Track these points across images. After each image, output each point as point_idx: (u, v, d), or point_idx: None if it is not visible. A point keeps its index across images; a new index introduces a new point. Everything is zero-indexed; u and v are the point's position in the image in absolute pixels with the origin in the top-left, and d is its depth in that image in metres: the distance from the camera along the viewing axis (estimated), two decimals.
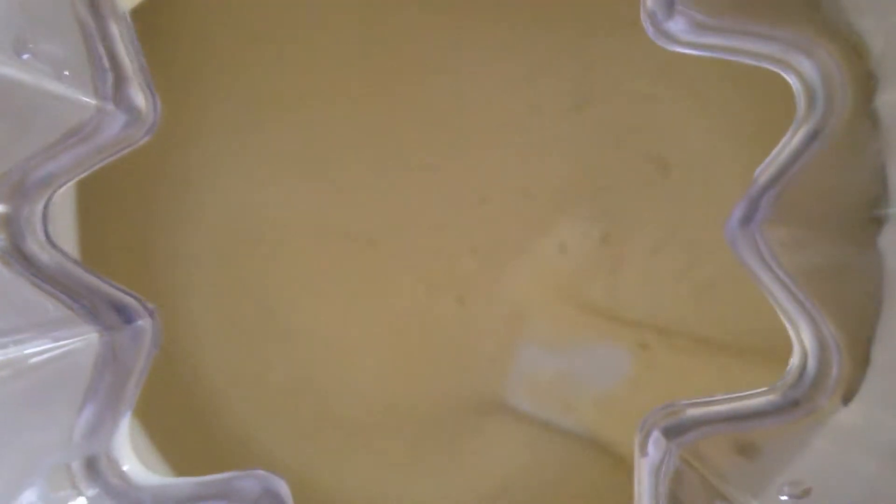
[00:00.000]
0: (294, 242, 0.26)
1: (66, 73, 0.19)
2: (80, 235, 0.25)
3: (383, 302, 0.27)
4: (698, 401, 0.19)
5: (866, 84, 0.18)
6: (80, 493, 0.19)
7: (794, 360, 0.19)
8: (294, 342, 0.27)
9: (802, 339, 0.19)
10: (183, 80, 0.26)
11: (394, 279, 0.27)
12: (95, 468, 0.19)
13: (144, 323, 0.20)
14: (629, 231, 0.26)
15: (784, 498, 0.18)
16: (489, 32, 0.26)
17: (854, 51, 0.18)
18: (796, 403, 0.18)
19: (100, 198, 0.26)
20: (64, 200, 0.26)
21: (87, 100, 0.19)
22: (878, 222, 0.18)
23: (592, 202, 0.26)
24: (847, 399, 0.18)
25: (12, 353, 0.19)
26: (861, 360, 0.18)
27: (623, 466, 0.25)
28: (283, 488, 0.19)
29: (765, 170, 0.19)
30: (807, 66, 0.18)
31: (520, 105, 0.26)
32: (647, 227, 0.26)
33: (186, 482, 0.19)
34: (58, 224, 0.25)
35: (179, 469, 0.25)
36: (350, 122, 0.26)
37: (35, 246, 0.19)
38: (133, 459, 0.20)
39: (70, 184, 0.20)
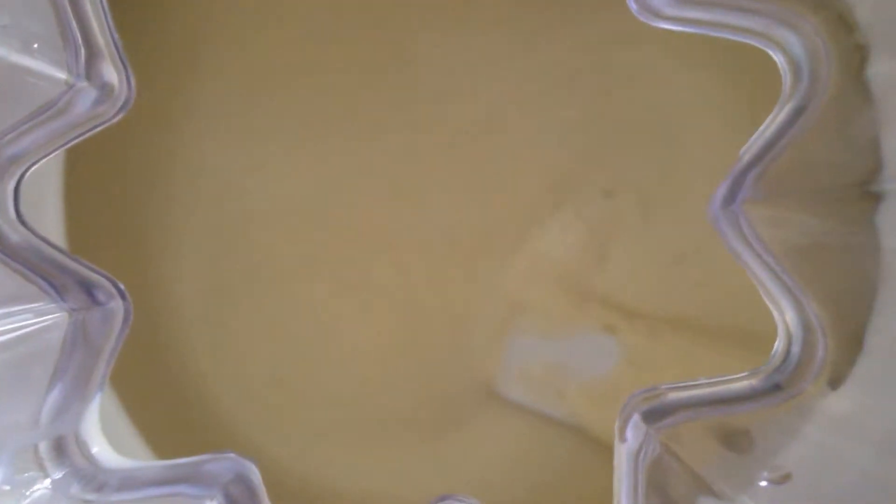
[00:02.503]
0: (283, 225, 0.26)
1: (37, 46, 0.19)
2: (66, 217, 0.25)
3: (373, 290, 0.26)
4: (679, 385, 0.18)
5: (855, 56, 0.17)
6: (46, 475, 0.19)
7: (779, 344, 0.18)
8: (281, 328, 0.26)
9: (787, 322, 0.18)
10: (174, 59, 0.26)
11: (384, 268, 0.26)
12: (63, 450, 0.19)
13: (115, 304, 0.19)
14: (623, 220, 0.25)
15: (763, 483, 0.17)
16: (480, 10, 0.25)
17: (841, 22, 0.17)
18: (779, 387, 0.18)
19: (87, 179, 0.26)
20: (50, 182, 0.26)
21: (59, 75, 0.19)
22: (873, 198, 0.17)
23: (586, 190, 0.25)
24: (835, 383, 0.18)
25: None
26: (849, 343, 0.18)
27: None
28: (255, 474, 0.19)
29: (749, 148, 0.18)
30: (792, 40, 0.18)
31: (511, 90, 0.26)
32: (641, 217, 0.25)
33: (155, 465, 0.19)
34: (45, 206, 0.25)
35: (161, 455, 0.25)
36: (342, 103, 0.26)
37: (5, 225, 0.19)
38: (102, 442, 0.19)
39: (42, 162, 0.19)
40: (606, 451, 0.25)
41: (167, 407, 0.26)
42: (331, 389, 0.26)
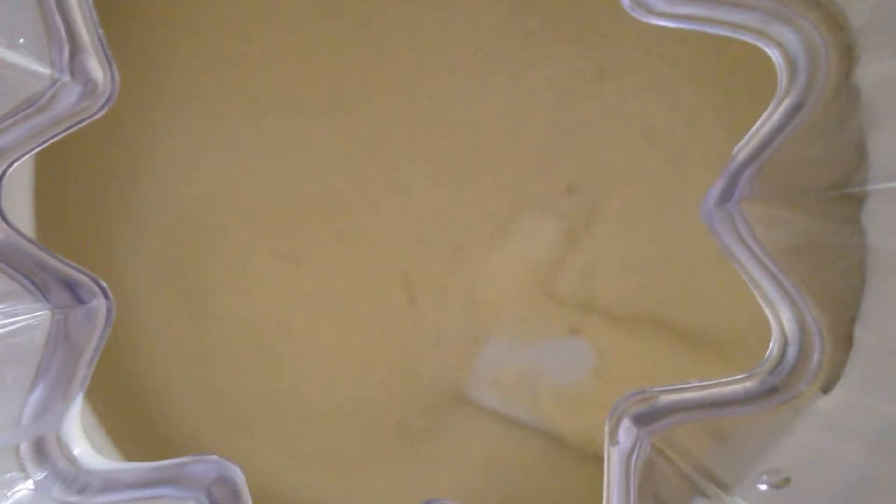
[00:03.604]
0: (255, 228, 0.25)
1: (21, 41, 0.18)
2: (35, 216, 0.25)
3: (343, 294, 0.26)
4: (671, 387, 0.18)
5: (846, 56, 0.17)
6: (27, 476, 0.18)
7: (774, 346, 0.18)
8: (247, 331, 0.26)
9: (782, 323, 0.18)
10: (138, 50, 0.25)
11: (355, 271, 0.26)
12: (44, 451, 0.19)
13: (98, 302, 0.19)
14: (597, 223, 0.25)
15: (763, 487, 0.17)
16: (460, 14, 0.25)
17: (834, 22, 0.17)
18: (774, 390, 0.17)
19: (55, 171, 0.25)
20: (21, 176, 0.25)
21: (43, 70, 0.19)
22: (858, 198, 0.17)
23: (561, 193, 0.25)
24: (828, 386, 0.18)
25: None
26: (843, 343, 0.17)
27: (588, 460, 0.24)
28: (238, 475, 0.19)
29: (744, 146, 0.18)
30: (788, 36, 0.18)
31: (487, 91, 0.25)
32: (615, 218, 0.25)
33: (137, 467, 0.19)
34: (15, 204, 0.25)
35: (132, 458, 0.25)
36: (309, 98, 0.25)
37: None
38: (84, 443, 0.19)
39: (24, 158, 0.19)
40: (579, 455, 0.25)
41: (138, 418, 0.26)
42: (301, 398, 0.26)
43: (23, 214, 0.24)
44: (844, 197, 0.17)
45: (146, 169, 0.25)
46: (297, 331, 0.25)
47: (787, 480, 0.17)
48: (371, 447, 0.25)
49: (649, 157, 0.24)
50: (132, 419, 0.25)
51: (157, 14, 0.25)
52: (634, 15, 0.18)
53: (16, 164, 0.19)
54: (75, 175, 0.25)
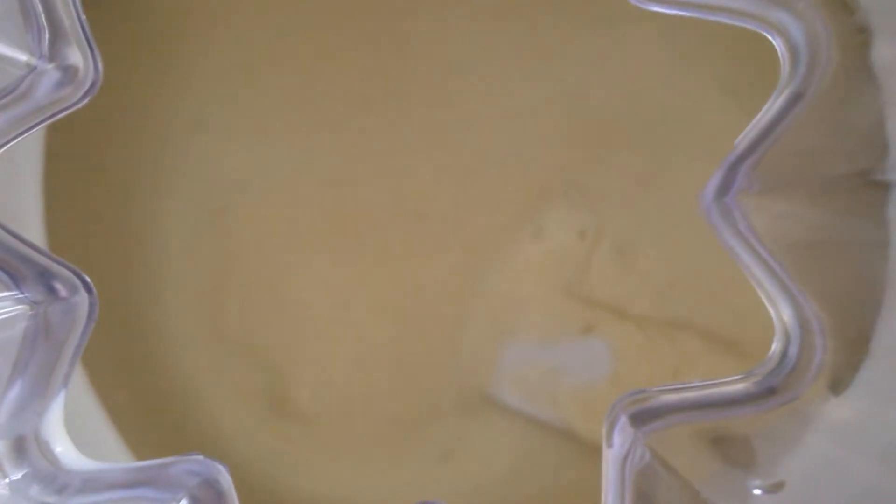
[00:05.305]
0: (270, 222, 0.25)
1: None
2: (45, 209, 0.25)
3: (363, 294, 0.26)
4: (669, 387, 0.17)
5: (856, 39, 0.16)
6: (4, 476, 0.18)
7: (776, 345, 0.17)
8: (267, 329, 0.26)
9: (784, 321, 0.17)
10: (156, 45, 0.25)
11: (374, 273, 0.25)
12: (23, 450, 0.18)
13: (79, 298, 0.18)
14: (616, 220, 0.25)
15: (757, 492, 0.16)
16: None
17: (841, 3, 0.16)
18: (773, 391, 0.17)
19: (68, 171, 0.25)
20: (29, 174, 0.25)
21: (20, 56, 0.18)
22: (879, 188, 0.16)
23: (578, 190, 0.25)
24: (837, 388, 0.17)
25: None
26: (852, 346, 0.17)
27: None
28: (224, 477, 0.18)
29: (744, 137, 0.17)
30: (789, 22, 0.17)
31: (500, 87, 0.25)
32: (631, 216, 0.24)
33: (119, 467, 0.18)
34: (24, 200, 0.25)
35: (140, 455, 0.24)
36: (332, 96, 0.25)
37: None
38: (66, 441, 0.19)
39: (6, 148, 0.19)
40: (598, 454, 0.24)
41: (147, 405, 0.26)
42: (316, 393, 0.26)
43: (32, 211, 0.24)
44: (858, 188, 0.16)
45: (166, 160, 0.25)
46: (318, 331, 0.25)
47: (779, 485, 0.16)
48: (390, 444, 0.25)
49: (677, 154, 0.24)
50: (150, 417, 0.25)
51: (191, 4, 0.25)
52: (632, 2, 0.18)
53: None
54: (90, 169, 0.25)
